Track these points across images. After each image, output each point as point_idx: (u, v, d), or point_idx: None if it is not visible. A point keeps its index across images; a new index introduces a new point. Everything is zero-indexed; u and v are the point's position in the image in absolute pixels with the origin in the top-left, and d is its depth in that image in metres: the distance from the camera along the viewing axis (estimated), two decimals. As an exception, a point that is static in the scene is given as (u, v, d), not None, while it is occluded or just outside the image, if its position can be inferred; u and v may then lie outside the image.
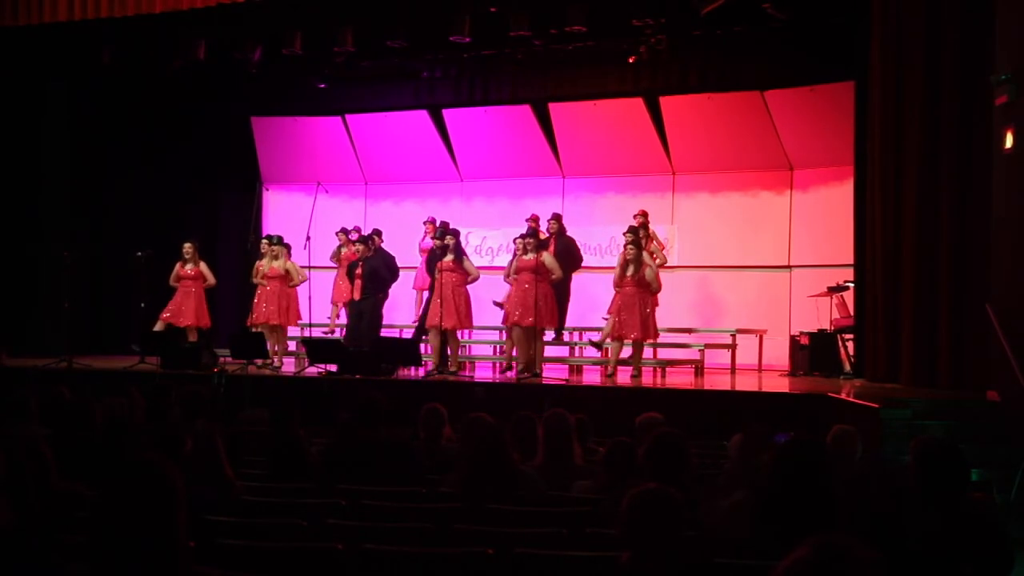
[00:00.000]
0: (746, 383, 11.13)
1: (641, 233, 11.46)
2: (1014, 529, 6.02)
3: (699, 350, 12.37)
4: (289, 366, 12.29)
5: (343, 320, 13.26)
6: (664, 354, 12.53)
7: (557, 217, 12.68)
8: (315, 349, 11.56)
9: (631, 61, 12.85)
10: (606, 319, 11.39)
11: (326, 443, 5.93)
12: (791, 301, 13.42)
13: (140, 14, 11.83)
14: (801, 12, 11.33)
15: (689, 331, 13.15)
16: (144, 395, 6.54)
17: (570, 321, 12.89)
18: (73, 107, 14.63)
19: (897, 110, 9.83)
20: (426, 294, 12.53)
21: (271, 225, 15.00)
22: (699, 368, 12.04)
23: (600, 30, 11.89)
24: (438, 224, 12.89)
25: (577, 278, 12.92)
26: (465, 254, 11.67)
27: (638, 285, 10.83)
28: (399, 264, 12.45)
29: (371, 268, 11.78)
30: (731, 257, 13.90)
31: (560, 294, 12.02)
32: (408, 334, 13.35)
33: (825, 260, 12.84)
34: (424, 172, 15.46)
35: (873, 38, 10.19)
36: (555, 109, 14.36)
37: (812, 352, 11.67)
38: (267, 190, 15.23)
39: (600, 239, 14.21)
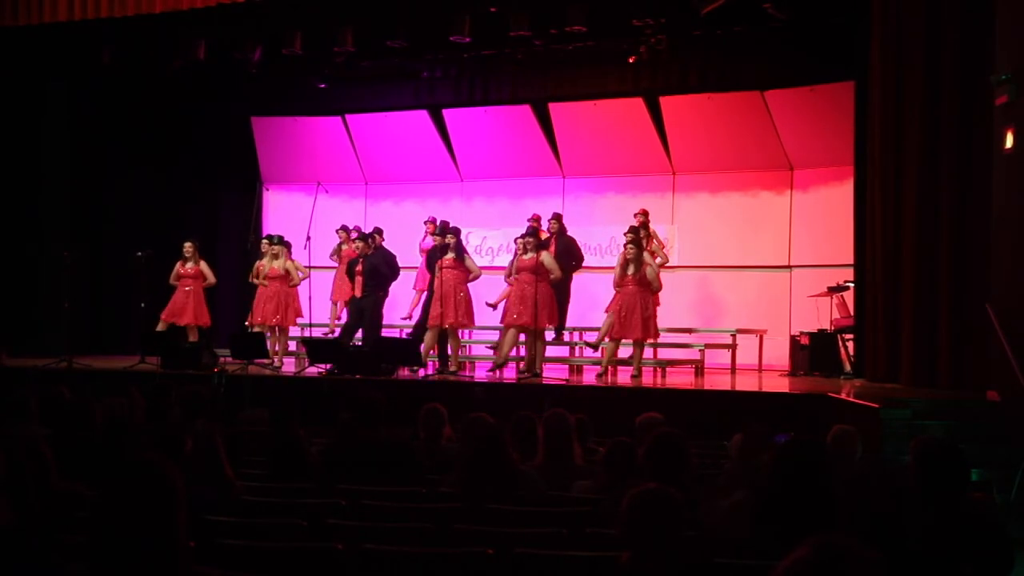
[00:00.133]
0: (746, 383, 11.13)
1: (642, 233, 11.46)
2: (1014, 529, 6.02)
3: (699, 350, 12.37)
4: (289, 366, 12.29)
5: (344, 319, 13.25)
6: (664, 354, 12.53)
7: (558, 217, 12.69)
8: (315, 349, 11.56)
9: (631, 61, 12.85)
10: (606, 315, 11.37)
11: (326, 443, 5.93)
12: (791, 301, 13.42)
13: (140, 14, 11.83)
14: (801, 12, 11.33)
15: (689, 331, 13.15)
16: (144, 395, 6.54)
17: (570, 321, 12.89)
18: (73, 107, 14.62)
19: (897, 110, 9.83)
20: (425, 294, 12.55)
21: (271, 225, 15.01)
22: (699, 368, 12.04)
23: (600, 30, 11.89)
24: (438, 223, 12.91)
25: (577, 278, 12.92)
26: (466, 252, 11.68)
27: (639, 285, 10.83)
28: (401, 264, 12.45)
29: (371, 265, 11.78)
30: (731, 257, 13.90)
31: (560, 294, 12.01)
32: (408, 334, 13.35)
33: (825, 260, 12.84)
34: (424, 172, 15.46)
35: (873, 38, 10.19)
36: (555, 109, 14.36)
37: (812, 352, 11.67)
38: (267, 190, 15.24)
39: (600, 239, 14.21)
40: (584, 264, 12.86)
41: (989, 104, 8.75)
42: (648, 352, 11.91)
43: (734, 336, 12.76)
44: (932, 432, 7.20)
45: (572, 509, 4.55)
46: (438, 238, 11.97)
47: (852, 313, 11.33)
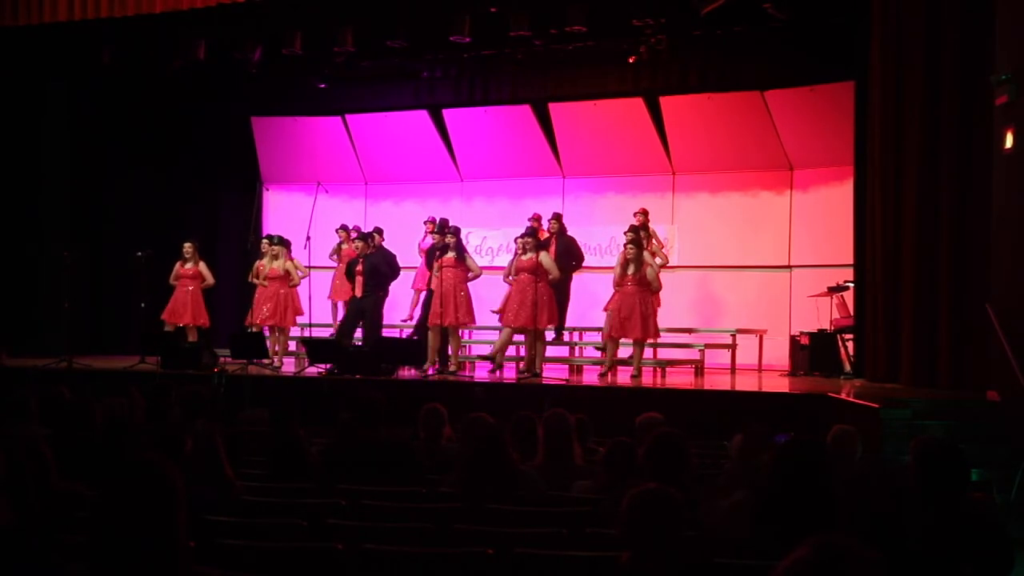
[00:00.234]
0: (746, 383, 11.13)
1: (642, 232, 11.47)
2: (1014, 529, 6.01)
3: (699, 350, 12.37)
4: (289, 366, 12.29)
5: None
6: (664, 354, 12.53)
7: (558, 217, 12.70)
8: (315, 349, 11.56)
9: (631, 61, 12.85)
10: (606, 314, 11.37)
11: (326, 443, 5.93)
12: (791, 301, 13.42)
13: (140, 14, 11.83)
14: (801, 12, 11.33)
15: (689, 331, 13.15)
16: (144, 395, 6.54)
17: (570, 321, 12.89)
18: (73, 107, 14.63)
19: (897, 110, 9.83)
20: (424, 294, 12.55)
21: (271, 225, 15.01)
22: (699, 368, 12.04)
23: (600, 30, 11.88)
24: (438, 221, 12.92)
25: (577, 278, 12.93)
26: (467, 251, 11.68)
27: (638, 284, 10.83)
28: (401, 264, 12.46)
29: (372, 265, 11.79)
30: (731, 257, 13.90)
31: (560, 294, 12.01)
32: (407, 334, 13.36)
33: (825, 260, 12.84)
34: (424, 172, 15.46)
35: (873, 38, 10.19)
36: (555, 109, 14.36)
37: (812, 352, 11.67)
38: (267, 190, 15.24)
39: (600, 239, 14.21)
40: (584, 264, 12.86)
41: (989, 104, 8.75)
42: (648, 352, 11.91)
43: (734, 336, 12.76)
44: (932, 432, 7.20)
45: (572, 509, 4.55)
46: (437, 237, 11.98)
47: (852, 313, 11.33)
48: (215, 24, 12.36)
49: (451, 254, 11.29)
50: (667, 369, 11.87)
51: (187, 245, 12.70)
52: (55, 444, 4.41)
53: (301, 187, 15.07)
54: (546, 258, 11.03)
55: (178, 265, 12.69)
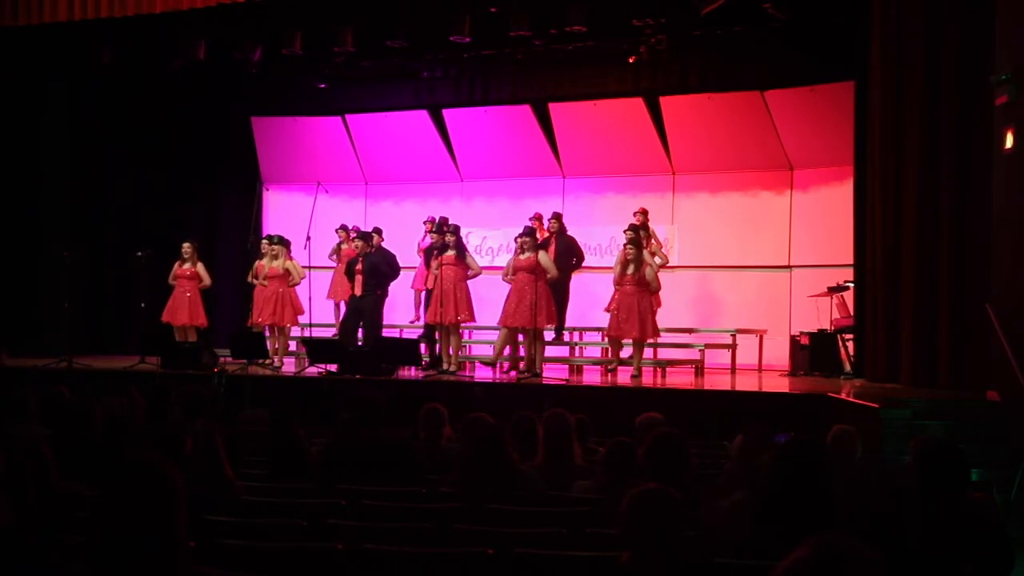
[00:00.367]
0: (746, 383, 11.13)
1: (641, 232, 11.47)
2: (1014, 529, 6.02)
3: (699, 350, 12.37)
4: (289, 366, 12.29)
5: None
6: (664, 354, 12.53)
7: (557, 216, 12.70)
8: (315, 349, 11.57)
9: (631, 61, 12.86)
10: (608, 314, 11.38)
11: (326, 443, 5.93)
12: (791, 301, 13.42)
13: (140, 14, 11.83)
14: (801, 12, 11.33)
15: (689, 331, 13.15)
16: (144, 395, 6.54)
17: (570, 321, 12.90)
18: (73, 107, 14.63)
19: (897, 110, 9.83)
20: (424, 294, 12.56)
21: (271, 225, 15.01)
22: (699, 368, 12.04)
23: (600, 30, 11.88)
24: (437, 220, 12.94)
25: (577, 277, 12.93)
26: (467, 249, 11.69)
27: (637, 284, 10.83)
28: (403, 264, 12.48)
29: (371, 264, 11.81)
30: (731, 257, 13.90)
31: (559, 294, 12.02)
32: (407, 334, 13.38)
33: (825, 260, 12.84)
34: (424, 172, 15.46)
35: (873, 38, 10.19)
36: (555, 109, 14.36)
37: (812, 352, 11.67)
38: (267, 190, 15.24)
39: (600, 239, 14.21)
40: (584, 263, 12.87)
41: (989, 104, 8.75)
42: (648, 352, 11.91)
43: (734, 336, 12.76)
44: (932, 432, 7.20)
45: (572, 509, 4.55)
46: (436, 236, 12.00)
47: (852, 313, 11.33)
48: (215, 24, 12.37)
49: (451, 252, 11.30)
50: (667, 369, 11.87)
51: (186, 245, 12.71)
52: (55, 444, 4.41)
53: (301, 187, 15.08)
54: (544, 257, 11.03)
55: (176, 265, 12.70)
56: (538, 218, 12.93)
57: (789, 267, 13.64)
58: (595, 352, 13.14)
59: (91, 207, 14.95)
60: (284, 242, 12.44)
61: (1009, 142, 8.35)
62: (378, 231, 12.95)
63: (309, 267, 12.47)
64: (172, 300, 12.65)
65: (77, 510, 3.89)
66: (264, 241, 12.62)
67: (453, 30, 11.91)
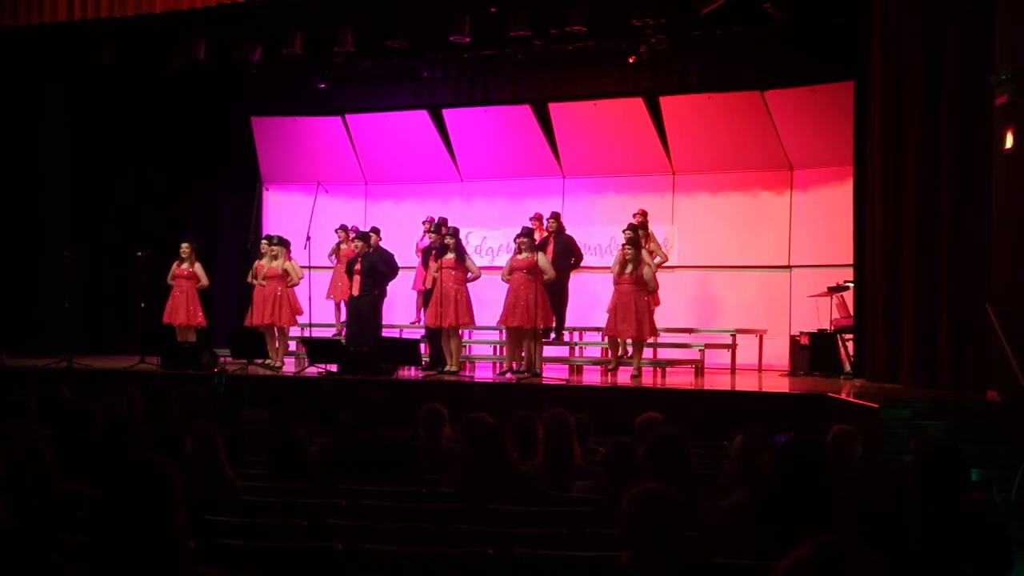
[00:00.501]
0: (746, 383, 11.13)
1: (640, 232, 11.48)
2: (1014, 529, 6.02)
3: (699, 350, 12.37)
4: (289, 366, 12.29)
5: (345, 318, 13.28)
6: (664, 354, 12.54)
7: (556, 216, 12.72)
8: (315, 349, 11.57)
9: (631, 61, 12.86)
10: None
11: (326, 443, 5.93)
12: (791, 301, 13.42)
13: (140, 14, 11.83)
14: (801, 12, 11.33)
15: (689, 331, 13.15)
16: (144, 395, 6.54)
17: (570, 321, 12.90)
18: (73, 107, 14.63)
19: (897, 110, 9.83)
20: (421, 295, 12.58)
21: (271, 225, 15.01)
22: (699, 368, 12.04)
23: (600, 30, 11.89)
24: (436, 220, 12.95)
25: (577, 277, 12.94)
26: (466, 252, 11.70)
27: (635, 284, 10.84)
28: (400, 264, 12.48)
29: (370, 264, 11.82)
30: (731, 257, 13.90)
31: (559, 294, 12.03)
32: (408, 334, 13.38)
33: (825, 260, 12.84)
34: (424, 172, 15.46)
35: (873, 38, 10.19)
36: (555, 109, 14.36)
37: (812, 352, 11.67)
38: (267, 190, 15.24)
39: (600, 239, 14.21)
40: (584, 263, 12.87)
41: (989, 104, 8.75)
42: (648, 352, 11.92)
43: (734, 336, 12.76)
44: (932, 432, 7.20)
45: (572, 509, 4.55)
46: (434, 236, 12.00)
47: (852, 313, 11.33)
48: (215, 24, 12.36)
49: (451, 255, 11.31)
50: (667, 369, 11.87)
51: (184, 245, 12.71)
52: (55, 444, 4.42)
53: (301, 187, 15.08)
54: (543, 259, 11.06)
55: (175, 265, 12.70)
56: (538, 218, 12.94)
57: (789, 267, 13.64)
58: (595, 352, 13.14)
59: (91, 207, 14.95)
60: (284, 242, 12.44)
61: (1009, 142, 8.35)
62: (376, 231, 12.95)
63: (309, 267, 12.46)
64: (171, 300, 12.66)
65: (77, 510, 3.89)
66: (264, 241, 12.62)
67: (453, 30, 11.92)
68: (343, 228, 13.87)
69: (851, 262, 11.35)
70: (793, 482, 3.65)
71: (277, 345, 12.32)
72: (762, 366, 12.58)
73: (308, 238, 12.27)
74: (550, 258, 11.61)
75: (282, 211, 15.50)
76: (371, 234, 12.61)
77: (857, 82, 11.05)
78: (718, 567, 3.45)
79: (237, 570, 3.52)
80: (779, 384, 10.86)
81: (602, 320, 11.46)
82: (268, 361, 12.07)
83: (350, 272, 12.05)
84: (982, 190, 8.96)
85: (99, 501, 2.42)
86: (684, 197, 14.34)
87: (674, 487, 3.32)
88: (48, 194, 14.40)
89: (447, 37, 12.06)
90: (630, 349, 11.28)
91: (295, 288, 12.34)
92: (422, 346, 11.89)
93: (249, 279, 12.59)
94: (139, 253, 12.46)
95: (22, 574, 3.08)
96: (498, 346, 13.33)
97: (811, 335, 11.81)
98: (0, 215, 13.91)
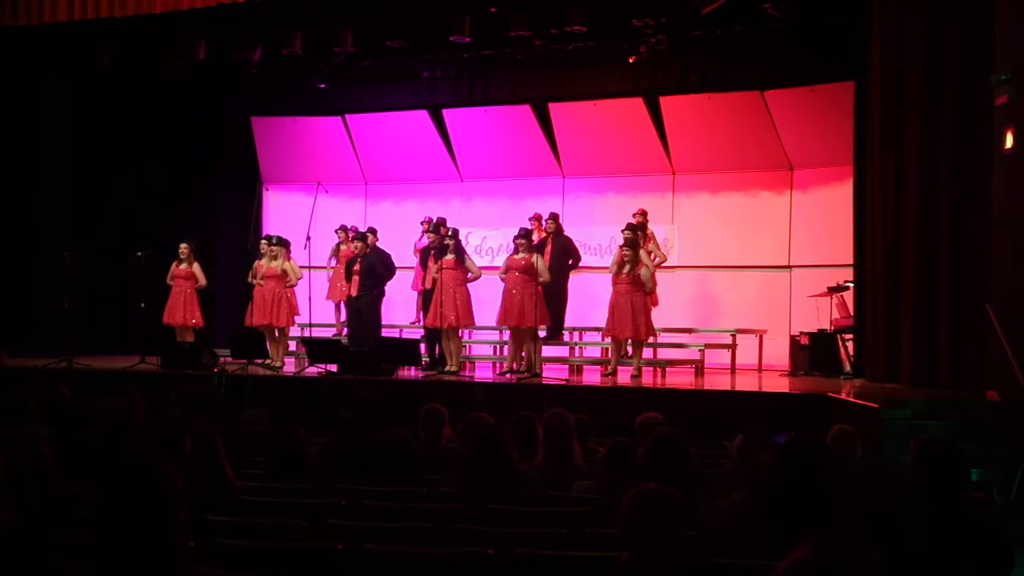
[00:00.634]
0: (746, 383, 11.13)
1: (639, 232, 11.49)
2: (1014, 529, 6.02)
3: (699, 350, 12.37)
4: (289, 366, 12.29)
5: (345, 318, 13.28)
6: (664, 354, 12.54)
7: (554, 216, 12.73)
8: (315, 349, 11.57)
9: (631, 61, 12.86)
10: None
11: (326, 443, 5.93)
12: (791, 301, 13.42)
13: (140, 14, 11.83)
14: (801, 12, 11.33)
15: (689, 331, 13.16)
16: (144, 395, 6.54)
17: (570, 321, 12.90)
18: (73, 107, 14.63)
19: (897, 110, 9.83)
20: (420, 295, 12.57)
21: (271, 225, 15.01)
22: (699, 368, 12.04)
23: (600, 30, 11.89)
24: (434, 220, 12.95)
25: (577, 277, 12.94)
26: (466, 252, 11.71)
27: (632, 284, 10.85)
28: (399, 264, 12.48)
29: (369, 264, 11.85)
30: (731, 257, 13.90)
31: (557, 294, 12.04)
32: (408, 334, 13.38)
33: (825, 260, 12.84)
34: (424, 172, 15.46)
35: (873, 38, 10.19)
36: (555, 109, 14.36)
37: (812, 352, 11.67)
38: (267, 190, 15.24)
39: (600, 239, 14.21)
40: (583, 263, 12.88)
41: (989, 104, 8.75)
42: (648, 352, 11.92)
43: (734, 336, 12.76)
44: (932, 432, 7.20)
45: (572, 509, 4.55)
46: (432, 236, 12.01)
47: (852, 313, 11.33)
48: (215, 24, 12.36)
49: (450, 256, 11.31)
50: (667, 369, 11.87)
51: (183, 246, 12.71)
52: (55, 444, 4.42)
53: (301, 187, 15.08)
54: (539, 261, 11.08)
55: (174, 265, 12.71)
56: (537, 219, 12.94)
57: (789, 267, 13.64)
58: (595, 352, 13.14)
59: (91, 207, 14.95)
60: (283, 242, 12.44)
61: (1009, 142, 8.35)
62: (372, 231, 12.95)
63: (309, 267, 12.46)
64: (170, 300, 12.66)
65: (77, 510, 3.89)
66: (263, 241, 12.62)
67: (453, 30, 11.92)
68: (343, 228, 13.87)
69: (851, 262, 11.35)
70: (793, 482, 3.65)
71: (279, 347, 12.32)
72: (762, 366, 12.58)
73: (308, 238, 12.27)
74: (548, 259, 11.63)
75: (282, 211, 15.50)
76: (367, 234, 12.61)
77: (857, 82, 11.05)
78: (718, 567, 3.45)
79: (237, 570, 3.52)
80: (779, 384, 10.86)
81: (602, 320, 11.47)
82: (268, 361, 12.08)
83: (348, 273, 12.05)
84: (982, 190, 8.96)
85: (99, 501, 2.42)
86: (684, 197, 14.34)
87: (674, 487, 3.31)
88: (48, 194, 14.40)
89: (447, 37, 12.06)
90: (630, 349, 11.28)
91: (295, 288, 12.34)
92: (422, 346, 11.89)
93: (249, 279, 12.60)
94: (139, 253, 12.46)
95: (22, 574, 3.08)
96: (498, 346, 13.34)
97: (811, 335, 11.81)
98: (0, 215, 13.91)
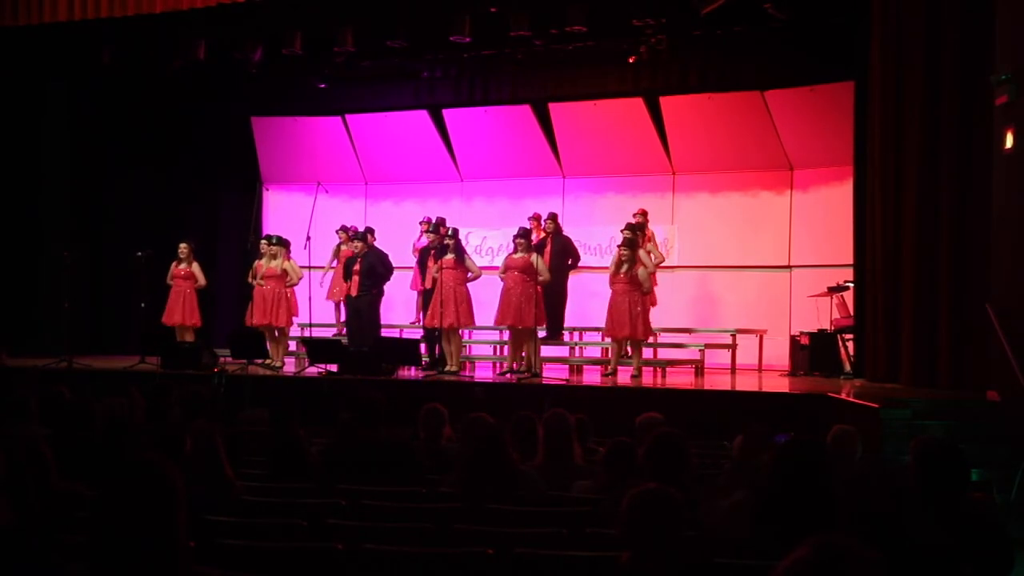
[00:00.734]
0: (746, 383, 11.13)
1: (639, 232, 11.49)
2: (1014, 529, 6.02)
3: (699, 350, 12.37)
4: (289, 366, 12.29)
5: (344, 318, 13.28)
6: (664, 354, 12.54)
7: (553, 216, 12.73)
8: (315, 349, 11.57)
9: (631, 61, 12.86)
10: None
11: (326, 443, 5.93)
12: (791, 301, 13.42)
13: (140, 14, 11.83)
14: (801, 12, 11.33)
15: (689, 331, 13.16)
16: (144, 395, 6.54)
17: (569, 321, 12.90)
18: (73, 107, 14.63)
19: (897, 110, 9.83)
20: (419, 295, 12.57)
21: (271, 225, 15.01)
22: (699, 368, 12.04)
23: (600, 30, 11.89)
24: (434, 220, 12.95)
25: (576, 277, 12.94)
26: (466, 252, 11.71)
27: (629, 284, 10.86)
28: (399, 264, 12.48)
29: (369, 264, 11.86)
30: (731, 257, 13.90)
31: (557, 294, 12.04)
32: (408, 334, 13.38)
33: (825, 260, 12.84)
34: (424, 172, 15.46)
35: (873, 38, 10.19)
36: (555, 109, 14.36)
37: (812, 352, 11.67)
38: (267, 190, 15.24)
39: (600, 239, 14.21)
40: (582, 263, 12.88)
41: (989, 104, 8.75)
42: (648, 352, 11.92)
43: (734, 336, 12.76)
44: (932, 432, 7.20)
45: (572, 509, 4.55)
46: (432, 236, 12.01)
47: (852, 313, 11.33)
48: (215, 24, 12.36)
49: (450, 255, 11.32)
50: (667, 369, 11.87)
51: (182, 246, 12.72)
52: (55, 444, 4.42)
53: (301, 187, 15.07)
54: (539, 261, 11.08)
55: (173, 265, 12.71)
56: (536, 218, 12.94)
57: (789, 267, 13.64)
58: (595, 352, 13.14)
59: (91, 207, 14.95)
60: (283, 242, 12.44)
61: (1009, 142, 8.35)
62: (370, 231, 12.95)
63: (309, 267, 12.47)
64: (169, 300, 12.66)
65: (77, 510, 3.89)
66: (263, 241, 12.62)
67: (453, 30, 11.92)
68: (344, 229, 13.86)
69: (851, 262, 11.35)
70: (793, 482, 3.65)
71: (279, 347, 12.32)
72: (762, 366, 12.58)
73: (308, 238, 12.27)
74: (547, 258, 11.63)
75: (282, 211, 15.50)
76: (365, 234, 12.61)
77: (857, 82, 11.05)
78: (718, 567, 3.45)
79: (237, 570, 3.52)
80: (779, 384, 10.86)
81: (602, 320, 11.47)
82: (268, 361, 12.08)
83: (348, 272, 12.05)
84: (982, 190, 8.96)
85: (99, 501, 2.42)
86: (684, 197, 14.34)
87: (674, 487, 3.31)
88: (48, 194, 14.40)
89: (447, 37, 12.06)
90: (630, 349, 11.29)
91: (295, 288, 12.34)
92: (422, 346, 11.89)
93: (249, 279, 12.60)
94: (139, 253, 12.47)
95: (22, 574, 3.08)
96: (498, 346, 13.34)
97: (811, 335, 11.81)
98: (0, 215, 13.91)
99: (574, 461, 5.31)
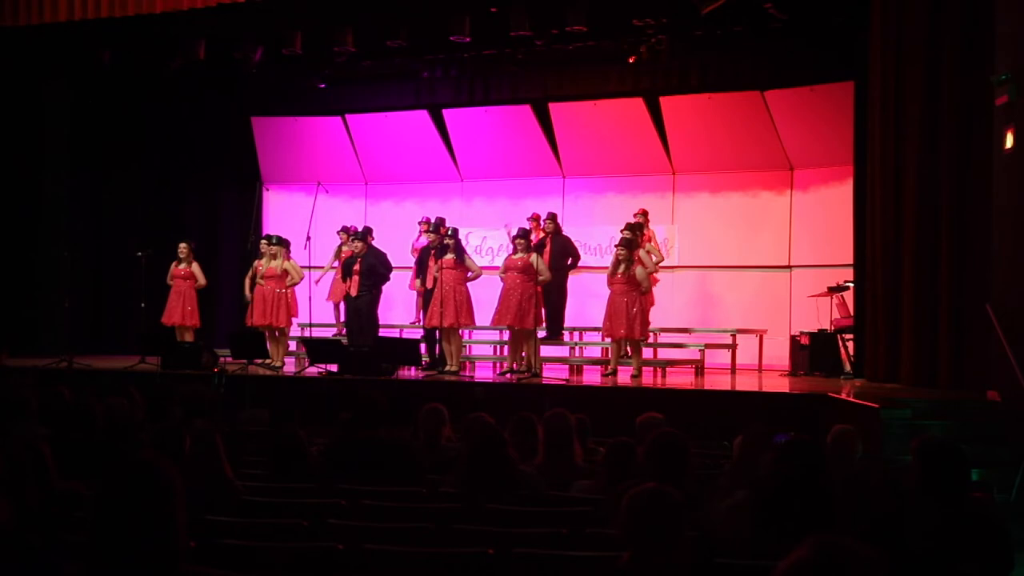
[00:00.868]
0: (746, 383, 11.13)
1: (638, 231, 11.49)
2: (1014, 529, 6.01)
3: (699, 350, 12.36)
4: (289, 366, 12.29)
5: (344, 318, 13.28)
6: (664, 354, 12.54)
7: (552, 216, 12.72)
8: (315, 349, 11.57)
9: (631, 61, 12.88)
10: None
11: (326, 443, 5.93)
12: (791, 301, 13.42)
13: (140, 14, 11.83)
14: (801, 12, 11.34)
15: (689, 331, 13.16)
16: (144, 395, 6.54)
17: (569, 321, 12.90)
18: (73, 107, 14.63)
19: (897, 110, 9.83)
20: (418, 295, 12.56)
21: (271, 225, 15.00)
22: (699, 368, 12.03)
23: (600, 30, 11.89)
24: (433, 220, 12.95)
25: (576, 277, 12.94)
26: (466, 251, 11.72)
27: (627, 284, 10.86)
28: (398, 264, 12.48)
29: (369, 264, 11.86)
30: (731, 257, 13.90)
31: (557, 294, 12.03)
32: (408, 334, 13.38)
33: (825, 260, 12.84)
34: (424, 172, 15.46)
35: (873, 38, 10.19)
36: (555, 109, 14.36)
37: (812, 352, 11.67)
38: (267, 190, 15.23)
39: (600, 239, 14.20)
40: (582, 263, 12.87)
41: (989, 104, 8.75)
42: (648, 352, 11.91)
43: (734, 336, 12.75)
44: (932, 432, 7.19)
45: (572, 509, 4.55)
46: (432, 236, 12.01)
47: (852, 313, 11.33)
48: (215, 24, 12.36)
49: (450, 255, 11.32)
50: (667, 369, 11.87)
51: (182, 245, 12.72)
52: (55, 444, 4.41)
53: (301, 187, 15.07)
54: (540, 262, 11.08)
55: (173, 265, 12.71)
56: (535, 219, 12.93)
57: (789, 267, 13.63)
58: (595, 352, 13.14)
59: (91, 207, 14.95)
60: (283, 242, 12.44)
61: (1009, 142, 8.35)
62: (368, 231, 12.95)
63: (309, 267, 12.47)
64: (169, 300, 12.66)
65: (77, 510, 3.89)
66: (263, 241, 12.62)
67: (453, 30, 11.92)
68: (345, 230, 13.85)
69: (851, 262, 11.35)
70: (793, 482, 3.65)
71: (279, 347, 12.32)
72: (762, 366, 12.58)
73: (308, 238, 12.26)
74: (547, 258, 11.63)
75: (282, 211, 15.49)
76: (364, 234, 12.60)
77: (857, 82, 11.06)
78: (718, 567, 3.45)
79: (237, 570, 3.52)
80: (779, 384, 10.86)
81: (602, 320, 11.47)
82: (268, 361, 12.08)
83: (347, 272, 12.05)
84: (982, 190, 8.96)
85: (98, 501, 2.42)
86: (684, 197, 14.34)
87: (674, 487, 3.31)
88: (48, 194, 14.40)
89: (447, 37, 12.06)
90: (629, 349, 11.29)
91: (295, 288, 12.33)
92: (422, 346, 11.89)
93: (246, 292, 12.57)
94: (139, 253, 12.46)
95: (22, 574, 3.07)
96: (498, 346, 13.34)
97: (811, 335, 11.81)
98: (0, 215, 13.91)
99: (574, 461, 5.31)
